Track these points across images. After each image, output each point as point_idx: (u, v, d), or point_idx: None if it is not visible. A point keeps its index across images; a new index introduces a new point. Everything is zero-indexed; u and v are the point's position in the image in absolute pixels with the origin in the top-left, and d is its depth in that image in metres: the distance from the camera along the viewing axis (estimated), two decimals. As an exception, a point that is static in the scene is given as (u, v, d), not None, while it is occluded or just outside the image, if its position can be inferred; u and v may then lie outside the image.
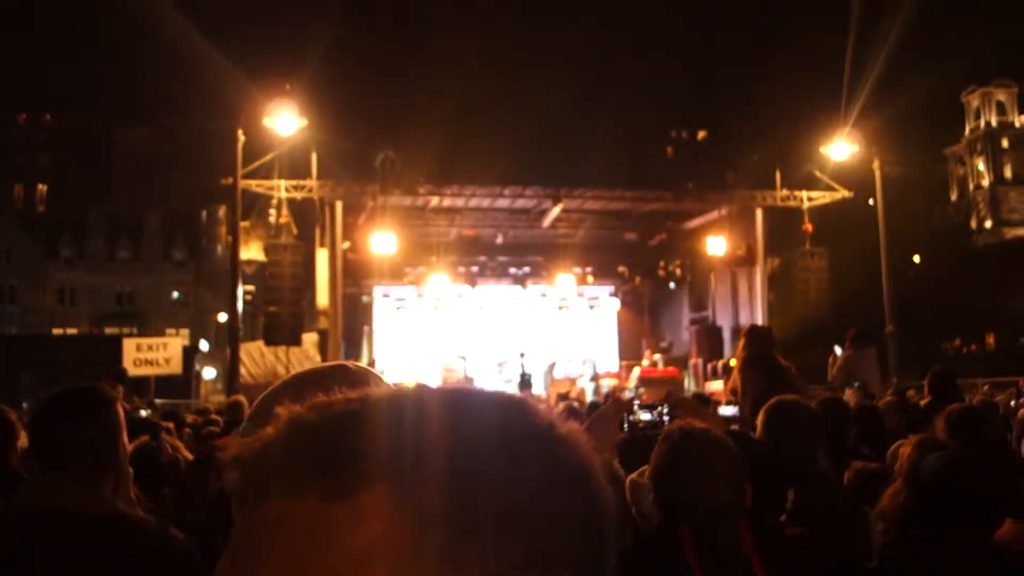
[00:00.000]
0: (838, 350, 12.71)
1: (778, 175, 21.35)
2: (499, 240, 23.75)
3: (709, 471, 2.23)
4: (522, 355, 20.20)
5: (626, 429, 3.13)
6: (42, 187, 49.57)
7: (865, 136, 20.45)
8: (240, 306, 18.47)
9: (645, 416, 3.20)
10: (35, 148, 51.96)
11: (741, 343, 7.21)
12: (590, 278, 24.79)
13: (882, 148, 20.88)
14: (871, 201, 21.14)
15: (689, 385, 22.88)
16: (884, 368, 16.99)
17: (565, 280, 24.43)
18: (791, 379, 7.13)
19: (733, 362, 7.82)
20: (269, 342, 19.78)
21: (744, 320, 22.58)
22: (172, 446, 5.33)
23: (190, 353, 27.38)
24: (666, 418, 3.28)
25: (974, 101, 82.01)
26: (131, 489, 2.83)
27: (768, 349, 7.04)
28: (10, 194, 49.53)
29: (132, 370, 18.22)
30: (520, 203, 22.38)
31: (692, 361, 23.71)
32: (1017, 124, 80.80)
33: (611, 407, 3.04)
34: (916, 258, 36.48)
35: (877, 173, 20.72)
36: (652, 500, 2.47)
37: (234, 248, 18.47)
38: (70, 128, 52.56)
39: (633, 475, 3.10)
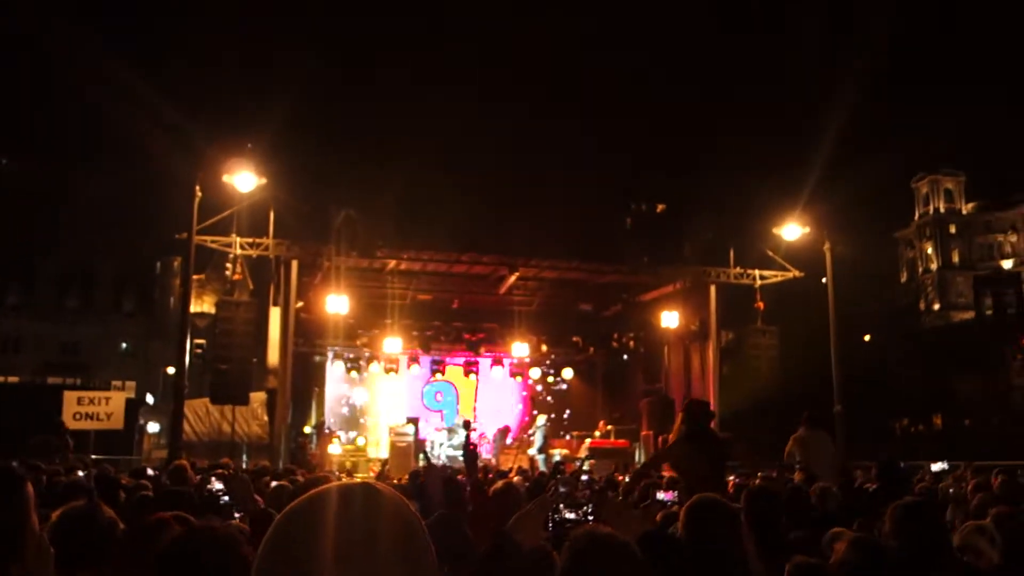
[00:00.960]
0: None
1: (731, 253, 21.74)
2: (455, 305, 23.75)
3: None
4: (466, 426, 20.06)
5: (551, 527, 3.11)
6: (-8, 231, 48.65)
7: (817, 218, 20.97)
8: (188, 360, 18.16)
9: (570, 515, 3.18)
10: (-13, 193, 51.29)
11: (679, 418, 7.36)
12: (544, 347, 24.82)
13: (833, 230, 21.38)
14: (823, 280, 21.57)
15: (639, 457, 22.82)
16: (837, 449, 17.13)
17: (519, 348, 24.43)
18: (726, 450, 7.27)
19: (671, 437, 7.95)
20: (215, 400, 19.44)
21: (696, 393, 22.69)
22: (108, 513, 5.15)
23: (135, 406, 26.75)
24: (590, 518, 3.27)
25: (923, 188, 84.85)
26: (50, 569, 2.67)
27: (706, 422, 7.22)
28: (-42, 238, 48.54)
29: (72, 423, 17.74)
30: (477, 269, 22.46)
31: (643, 432, 23.70)
32: (964, 211, 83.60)
33: (535, 506, 3.02)
34: (866, 337, 37.11)
35: (828, 254, 21.18)
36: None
37: (184, 308, 18.21)
38: (23, 174, 51.98)
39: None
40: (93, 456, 17.05)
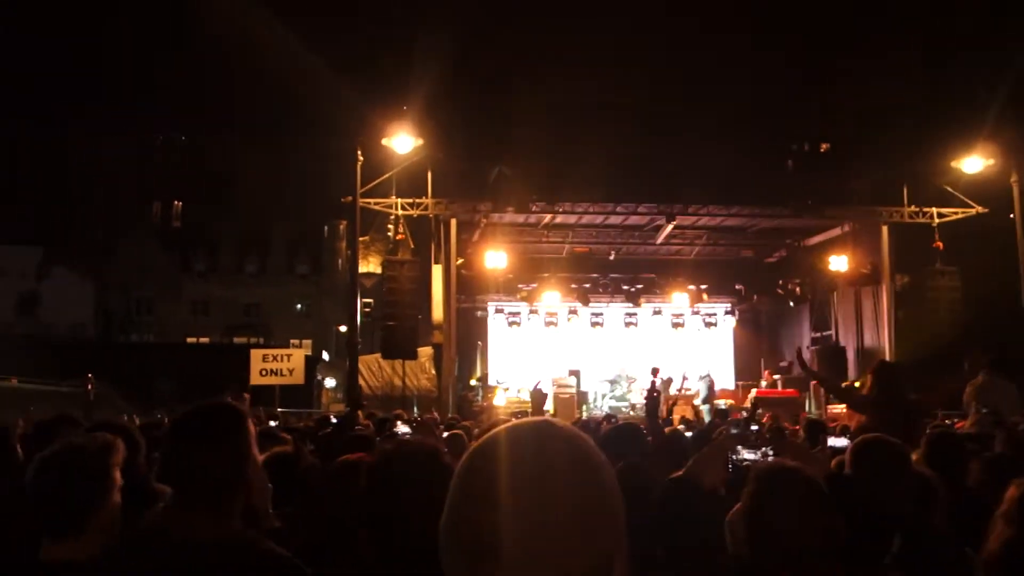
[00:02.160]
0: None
1: (905, 190, 20.50)
2: (612, 257, 23.69)
3: (795, 512, 2.23)
4: (654, 372, 19.92)
5: (731, 469, 3.13)
6: (177, 204, 52.51)
7: (1002, 146, 19.35)
8: (359, 320, 19.06)
9: (750, 456, 3.18)
10: (171, 168, 55.22)
11: (869, 380, 6.94)
12: (705, 296, 24.40)
13: (1021, 160, 19.72)
14: (1011, 216, 20.00)
15: (810, 407, 22.19)
16: (1024, 396, 16.03)
17: (680, 298, 24.15)
18: (921, 422, 6.78)
19: (857, 384, 7.69)
20: (387, 355, 20.29)
21: (869, 341, 21.75)
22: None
23: (312, 363, 28.42)
24: (770, 458, 3.26)
25: None
26: (268, 504, 2.96)
27: (899, 389, 6.72)
28: (149, 211, 52.69)
29: (257, 379, 19.06)
30: (633, 220, 22.29)
31: (813, 382, 22.98)
32: None
33: (715, 447, 3.04)
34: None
35: (1015, 188, 19.60)
36: (743, 538, 2.47)
37: (353, 265, 19.09)
38: (203, 149, 55.59)
39: (732, 512, 3.11)
40: (279, 409, 18.26)
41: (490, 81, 19.37)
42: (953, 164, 19.48)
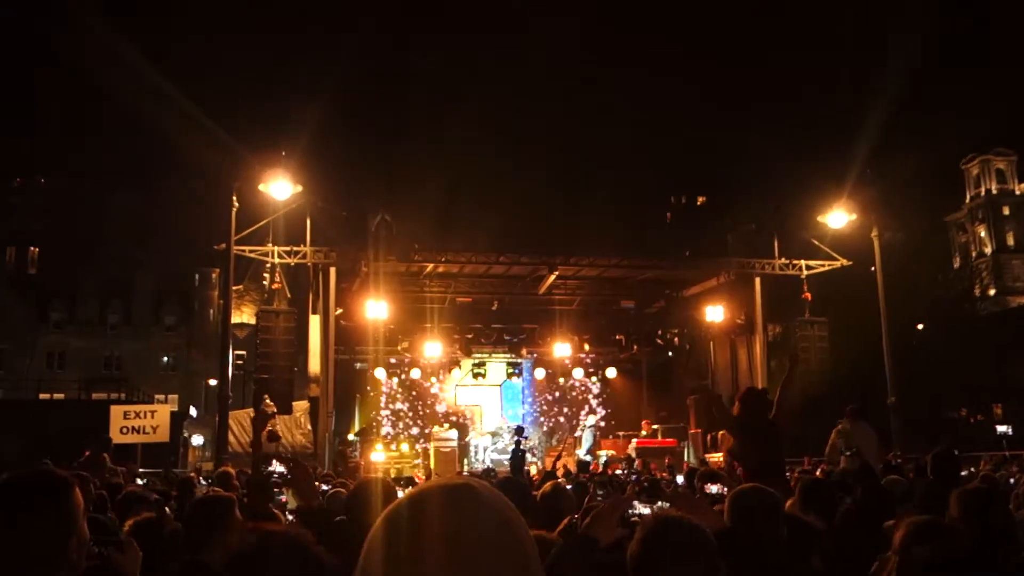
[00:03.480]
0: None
1: (776, 243, 21.54)
2: (495, 307, 23.80)
3: (680, 559, 2.28)
4: (519, 432, 20.11)
5: (626, 525, 3.15)
6: (34, 250, 49.87)
7: (863, 204, 20.68)
8: (230, 372, 18.45)
9: (645, 511, 3.20)
10: (29, 211, 52.51)
11: (736, 407, 7.57)
12: (587, 345, 24.78)
13: (881, 215, 21.09)
14: (872, 268, 21.30)
15: (688, 456, 22.72)
16: (887, 440, 16.92)
17: (562, 348, 24.43)
18: (783, 437, 7.45)
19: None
20: (257, 412, 19.65)
21: (744, 388, 22.52)
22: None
23: (178, 420, 27.23)
24: (666, 509, 3.31)
25: (974, 170, 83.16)
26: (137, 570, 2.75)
27: (761, 410, 7.40)
28: (2, 257, 49.80)
29: (118, 437, 18.12)
30: (516, 270, 22.49)
31: (692, 430, 23.58)
32: (1017, 192, 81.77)
33: (609, 504, 3.06)
34: (919, 326, 36.44)
35: (876, 241, 20.91)
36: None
37: (225, 314, 18.53)
38: (63, 192, 53.19)
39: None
40: (140, 470, 17.38)
41: (374, 128, 19.41)
42: (819, 219, 20.67)
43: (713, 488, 5.36)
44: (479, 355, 24.94)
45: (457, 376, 25.24)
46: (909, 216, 20.85)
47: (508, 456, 22.81)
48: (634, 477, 11.37)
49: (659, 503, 3.28)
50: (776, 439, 7.30)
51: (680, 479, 12.14)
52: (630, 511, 3.03)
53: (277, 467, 6.23)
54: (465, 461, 22.99)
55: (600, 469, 19.30)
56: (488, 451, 23.47)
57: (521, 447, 19.32)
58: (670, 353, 25.73)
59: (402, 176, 18.90)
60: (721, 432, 16.53)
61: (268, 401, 18.43)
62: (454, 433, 23.06)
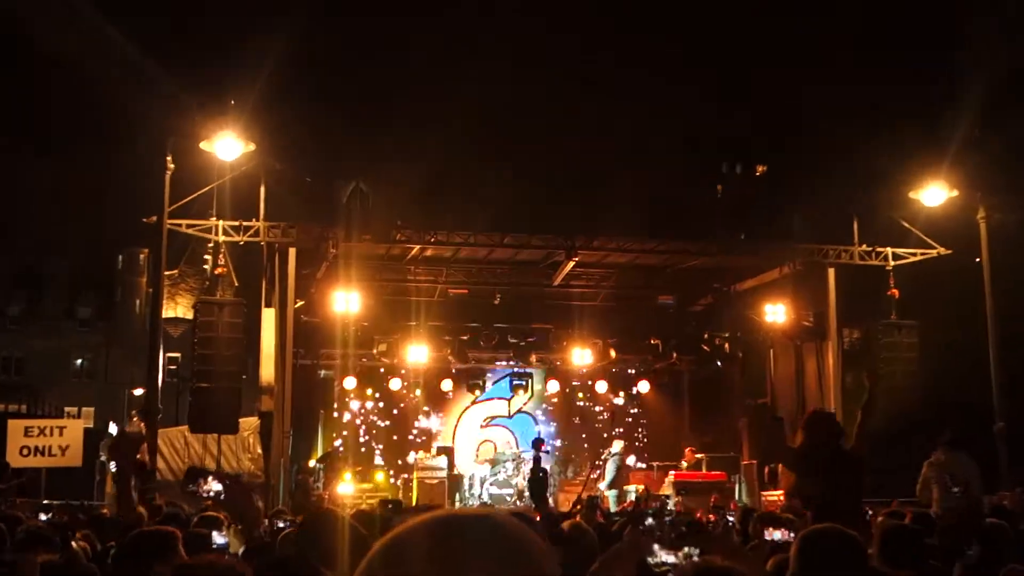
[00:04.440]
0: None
1: (856, 225, 21.47)
2: (497, 301, 23.81)
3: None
4: (538, 445, 20.09)
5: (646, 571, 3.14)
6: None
7: (968, 177, 20.59)
8: (160, 379, 18.46)
9: (668, 558, 3.20)
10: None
11: (799, 435, 7.55)
12: (614, 352, 24.77)
13: (989, 192, 21.00)
14: (977, 259, 21.22)
15: (740, 495, 22.74)
16: (993, 476, 16.89)
17: (582, 354, 24.43)
18: (861, 472, 7.43)
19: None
20: (196, 428, 19.69)
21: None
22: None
23: (94, 438, 27.25)
24: (695, 558, 3.29)
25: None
26: None
27: (828, 436, 7.39)
28: None
29: (17, 460, 18.15)
30: (525, 255, 22.47)
31: (745, 462, 23.59)
32: None
33: (626, 546, 3.05)
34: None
35: (983, 225, 20.83)
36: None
37: (155, 308, 18.57)
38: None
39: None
40: (44, 501, 17.41)
41: (349, 72, 19.40)
42: (912, 195, 20.57)
43: (776, 534, 5.36)
44: (477, 362, 24.95)
45: (448, 388, 25.23)
46: (1024, 193, 20.68)
47: (510, 489, 22.87)
48: (668, 520, 11.37)
49: (686, 549, 3.29)
50: (851, 476, 7.27)
51: (731, 521, 12.17)
52: (653, 559, 3.04)
53: (213, 485, 6.20)
54: (457, 496, 23.02)
55: (630, 506, 19.34)
56: (486, 484, 23.53)
57: (542, 465, 19.19)
58: (719, 363, 25.69)
59: (384, 136, 18.87)
60: (780, 466, 16.55)
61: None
62: (443, 460, 23.09)
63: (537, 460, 19.24)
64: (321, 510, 5.54)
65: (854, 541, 3.60)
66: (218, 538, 6.16)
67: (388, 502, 17.07)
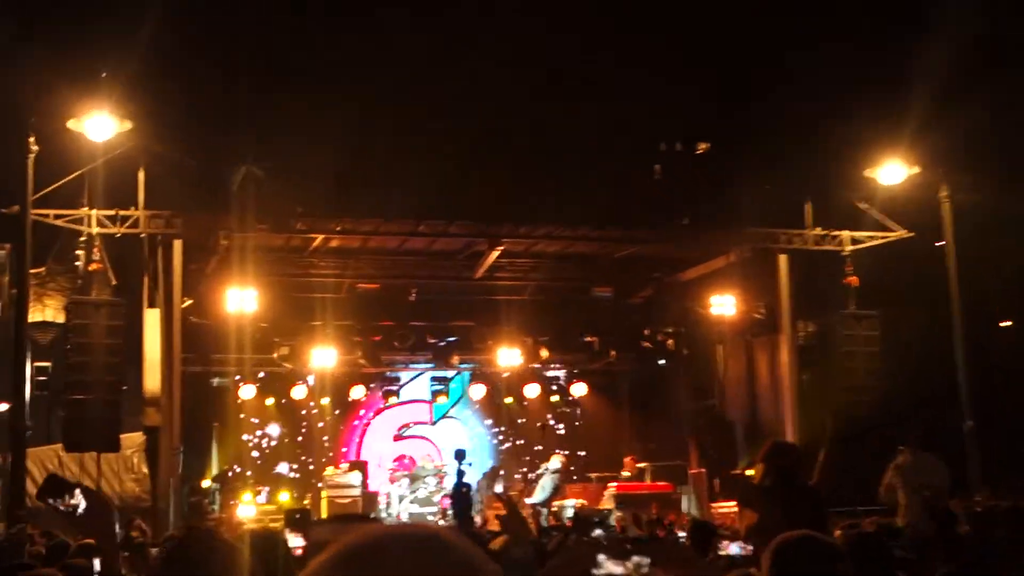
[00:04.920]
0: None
1: (808, 207, 21.79)
2: (412, 297, 23.77)
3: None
4: (460, 456, 20.15)
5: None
6: None
7: (929, 155, 20.96)
8: (28, 393, 18.18)
9: (616, 569, 3.25)
10: None
11: (761, 467, 7.57)
12: (545, 351, 24.88)
13: (953, 170, 21.39)
14: (939, 243, 21.63)
15: (688, 506, 22.98)
16: (962, 479, 17.27)
17: (508, 355, 24.50)
18: (827, 514, 7.46)
19: (751, 472, 8.23)
20: (71, 447, 19.44)
21: (766, 412, 22.80)
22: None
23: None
24: (644, 571, 3.33)
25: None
26: None
27: (798, 474, 7.36)
28: None
29: None
30: (442, 244, 22.48)
31: (692, 471, 23.82)
32: None
33: (568, 559, 3.08)
34: (1006, 323, 37.27)
35: (946, 205, 21.25)
36: None
37: (20, 312, 18.24)
38: None
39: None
40: None
41: (240, 39, 19.19)
42: (868, 173, 20.92)
43: (733, 547, 5.45)
44: (390, 365, 24.92)
45: (359, 396, 25.20)
46: (991, 172, 21.07)
47: (432, 508, 22.89)
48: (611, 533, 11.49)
49: (635, 559, 3.33)
50: (813, 516, 7.29)
51: (680, 536, 12.34)
52: (598, 570, 3.08)
53: (80, 500, 6.10)
54: (371, 515, 22.98)
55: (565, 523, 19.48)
56: (405, 501, 23.51)
57: (465, 479, 19.23)
58: (662, 361, 25.94)
59: (280, 113, 18.73)
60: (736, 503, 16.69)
61: None
62: (355, 476, 23.02)
63: (461, 474, 19.29)
64: (191, 530, 5.48)
65: (834, 550, 3.69)
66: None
67: (296, 511, 17.02)
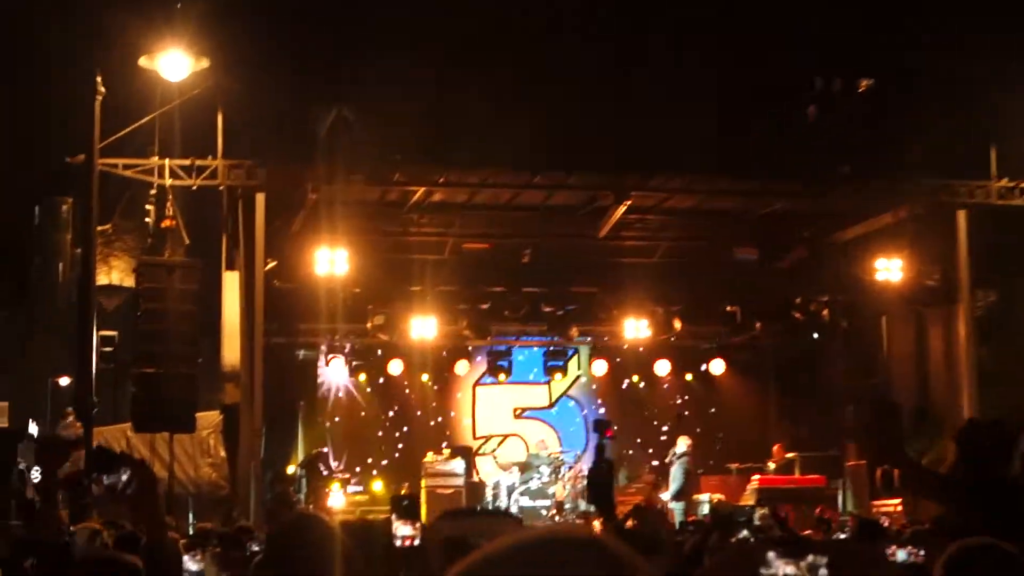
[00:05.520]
0: None
1: (993, 155, 21.33)
2: (526, 259, 23.78)
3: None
4: (600, 427, 20.12)
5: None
6: None
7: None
8: (94, 366, 18.50)
9: (788, 570, 3.28)
10: None
11: (951, 453, 7.24)
12: (679, 323, 24.78)
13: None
14: None
15: (844, 503, 22.78)
16: None
17: (636, 327, 24.44)
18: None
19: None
20: (141, 427, 19.80)
21: (939, 394, 22.48)
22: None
23: (9, 441, 27.56)
24: (822, 572, 3.35)
25: None
26: None
27: (997, 462, 7.04)
28: None
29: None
30: (561, 199, 22.46)
31: (850, 463, 23.58)
32: None
33: (736, 555, 3.13)
34: None
35: None
36: None
37: (86, 269, 18.53)
38: None
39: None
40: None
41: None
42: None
43: (900, 553, 5.40)
44: (501, 338, 25.01)
45: (464, 372, 25.35)
46: None
47: (546, 501, 22.92)
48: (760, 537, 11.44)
49: (811, 558, 3.36)
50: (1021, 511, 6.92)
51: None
52: (767, 570, 3.11)
53: (123, 475, 6.18)
54: (477, 508, 23.13)
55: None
56: (516, 492, 23.58)
57: (607, 455, 19.17)
58: (815, 335, 25.64)
59: (374, 49, 18.83)
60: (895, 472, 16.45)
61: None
62: (459, 464, 23.20)
63: (601, 449, 19.24)
64: (298, 516, 5.52)
65: (1012, 557, 3.64)
66: (191, 564, 6.28)
67: (403, 497, 17.17)
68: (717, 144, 19.96)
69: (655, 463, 25.65)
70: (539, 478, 23.67)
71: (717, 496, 22.54)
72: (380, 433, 25.79)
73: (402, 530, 12.37)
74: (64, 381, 39.98)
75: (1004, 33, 19.93)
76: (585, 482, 19.66)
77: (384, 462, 25.33)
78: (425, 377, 25.56)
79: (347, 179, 19.94)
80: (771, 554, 3.09)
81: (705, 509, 21.52)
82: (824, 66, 20.45)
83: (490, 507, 23.42)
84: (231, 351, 20.41)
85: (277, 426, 22.83)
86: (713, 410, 27.03)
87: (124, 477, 6.63)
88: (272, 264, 21.03)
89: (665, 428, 26.47)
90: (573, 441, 25.84)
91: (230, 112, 19.30)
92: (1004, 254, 22.19)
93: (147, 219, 20.79)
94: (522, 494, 23.51)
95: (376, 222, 22.74)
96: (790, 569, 3.02)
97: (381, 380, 25.44)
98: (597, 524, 18.30)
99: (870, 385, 24.28)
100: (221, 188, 19.90)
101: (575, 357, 26.56)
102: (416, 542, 13.07)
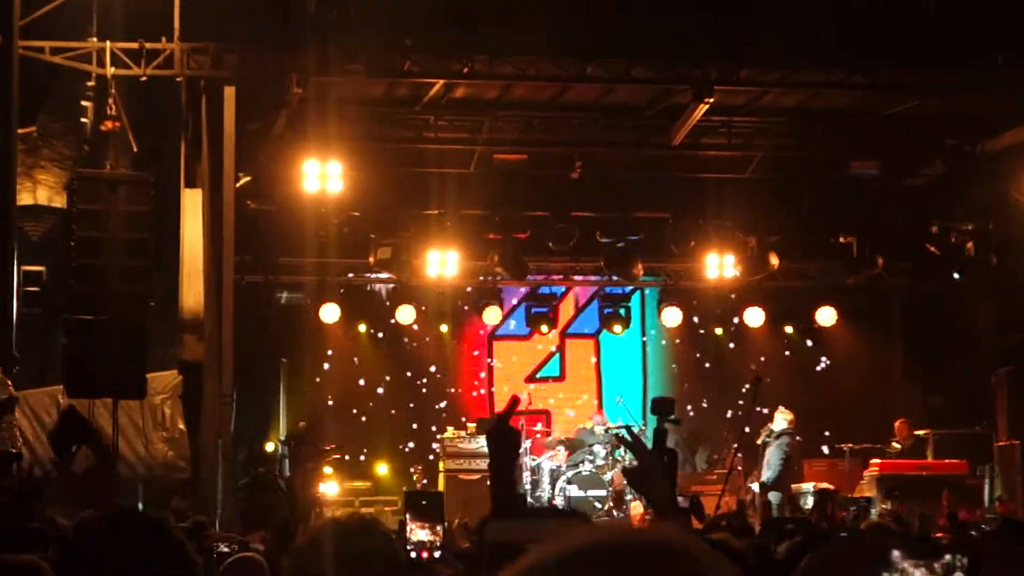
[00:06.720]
0: None
1: None
2: (576, 174, 23.86)
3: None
4: (661, 407, 20.34)
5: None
6: None
7: None
8: (14, 310, 18.69)
9: (916, 573, 3.46)
10: None
11: None
12: (775, 259, 24.83)
13: None
14: None
15: (991, 492, 22.86)
16: None
17: (720, 263, 24.50)
18: None
19: None
20: (75, 391, 19.96)
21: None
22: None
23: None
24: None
25: None
26: None
27: None
28: None
29: None
30: (620, 94, 22.55)
31: (1000, 443, 23.64)
32: None
33: (853, 548, 3.29)
34: None
35: None
36: None
37: (4, 184, 18.61)
38: None
39: None
40: None
41: None
42: None
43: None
44: (543, 278, 25.18)
45: (494, 320, 25.49)
46: None
47: (601, 491, 23.12)
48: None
49: (947, 558, 3.56)
50: None
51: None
52: (890, 572, 3.30)
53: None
54: (535, 505, 23.26)
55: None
56: (562, 480, 23.70)
57: (667, 439, 19.33)
58: (956, 275, 25.63)
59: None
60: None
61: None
62: (484, 443, 23.45)
63: (662, 435, 19.40)
64: (355, 520, 5.28)
65: None
66: None
67: (420, 496, 17.37)
68: (826, 25, 19.98)
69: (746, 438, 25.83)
70: (592, 460, 23.70)
71: (824, 485, 22.58)
72: (385, 400, 26.09)
73: (418, 534, 12.35)
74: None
75: None
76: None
77: (390, 438, 25.64)
78: (444, 328, 25.80)
79: (343, 69, 20.05)
80: (896, 553, 3.25)
81: (809, 501, 21.61)
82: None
83: (528, 498, 23.57)
84: (192, 293, 20.51)
85: (252, 391, 22.98)
86: (821, 371, 27.06)
87: (74, 450, 6.89)
88: (245, 180, 21.17)
89: (761, 404, 26.42)
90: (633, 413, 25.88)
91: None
92: None
93: (83, 119, 20.88)
94: (570, 481, 23.51)
95: (380, 126, 22.86)
96: (918, 572, 3.18)
97: (386, 332, 25.72)
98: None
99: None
100: (178, 79, 20.08)
101: (640, 303, 26.60)
102: (437, 553, 13.01)
